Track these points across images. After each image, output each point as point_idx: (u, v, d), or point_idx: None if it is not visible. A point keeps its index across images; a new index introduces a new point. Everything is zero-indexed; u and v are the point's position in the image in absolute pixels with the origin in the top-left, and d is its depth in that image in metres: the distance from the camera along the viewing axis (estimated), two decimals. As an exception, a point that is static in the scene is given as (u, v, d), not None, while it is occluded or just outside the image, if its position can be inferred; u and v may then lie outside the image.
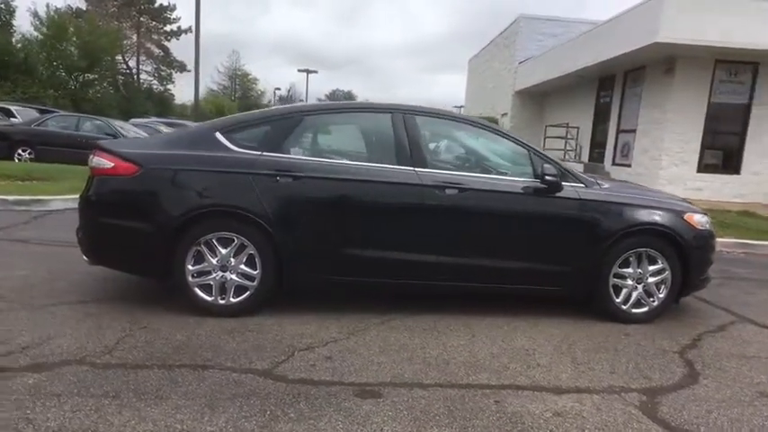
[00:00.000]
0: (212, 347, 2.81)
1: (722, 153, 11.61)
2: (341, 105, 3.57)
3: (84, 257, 3.39)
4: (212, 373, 2.53)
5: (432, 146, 3.51)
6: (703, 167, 11.42)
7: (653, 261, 3.58)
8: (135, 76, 44.80)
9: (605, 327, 3.52)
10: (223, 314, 3.24)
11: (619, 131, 13.40)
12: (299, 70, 48.84)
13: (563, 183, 3.44)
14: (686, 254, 3.58)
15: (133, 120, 19.75)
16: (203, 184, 3.17)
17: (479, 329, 3.32)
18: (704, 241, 3.69)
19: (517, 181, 3.48)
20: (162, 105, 41.48)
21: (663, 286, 3.61)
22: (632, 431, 2.24)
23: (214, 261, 3.20)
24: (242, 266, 3.22)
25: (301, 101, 75.24)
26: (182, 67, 46.31)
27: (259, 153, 3.26)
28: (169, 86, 46.43)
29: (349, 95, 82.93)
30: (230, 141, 3.29)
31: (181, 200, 3.14)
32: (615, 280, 3.56)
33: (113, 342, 2.80)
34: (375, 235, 3.33)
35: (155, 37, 46.20)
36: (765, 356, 3.20)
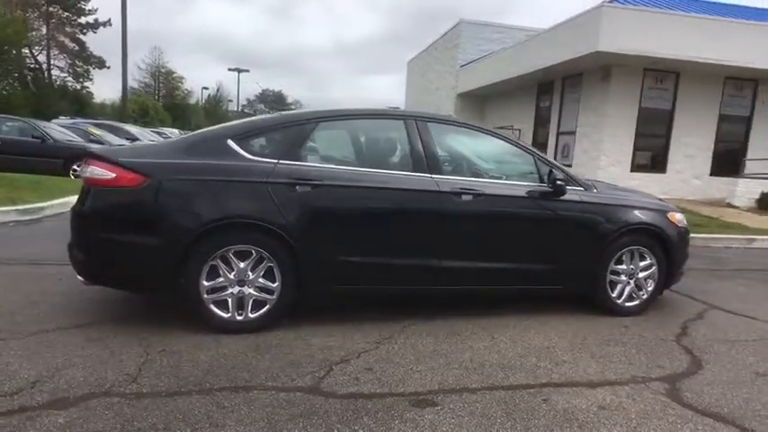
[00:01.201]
0: (245, 367, 2.68)
1: (651, 154, 12.69)
2: (355, 111, 3.51)
3: (80, 277, 3.10)
4: (258, 394, 2.42)
5: (442, 152, 3.54)
6: (636, 167, 12.42)
7: (643, 257, 3.86)
8: (46, 72, 41.05)
9: (605, 320, 3.75)
10: (241, 331, 3.10)
11: (559, 133, 14.22)
12: (229, 69, 47.27)
13: (566, 186, 3.62)
14: (670, 250, 3.91)
15: (56, 120, 18.13)
16: (218, 195, 3.01)
17: (495, 331, 3.42)
18: (683, 237, 4.04)
19: (525, 185, 3.62)
20: (79, 104, 38.36)
21: (651, 280, 3.91)
22: (672, 417, 2.42)
23: (231, 276, 3.05)
24: (260, 280, 3.10)
25: (230, 101, 72.58)
26: (100, 63, 43.16)
27: (275, 161, 3.15)
28: (87, 84, 43.07)
29: (279, 96, 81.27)
30: (244, 149, 3.15)
31: (194, 212, 2.96)
32: (611, 276, 3.81)
33: (134, 369, 2.59)
34: (395, 243, 3.33)
35: (68, 29, 42.58)
36: (745, 339, 3.56)
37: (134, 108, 39.96)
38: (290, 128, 3.28)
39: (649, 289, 3.91)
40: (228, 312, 3.08)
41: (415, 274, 3.39)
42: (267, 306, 3.14)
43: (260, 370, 2.66)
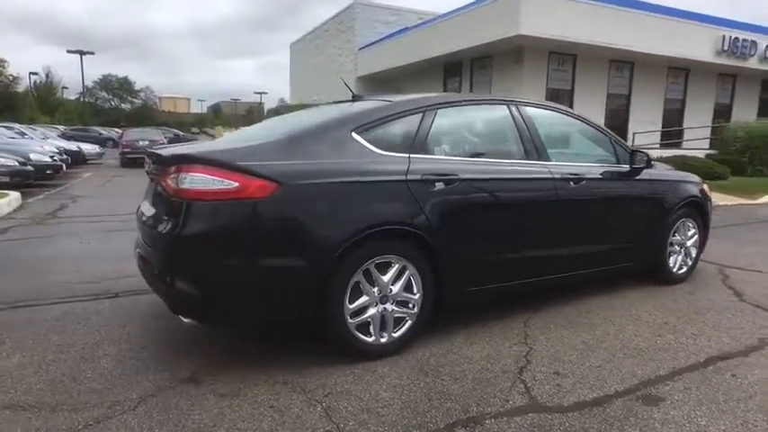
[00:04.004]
0: (442, 396, 2.32)
1: (556, 130, 13.91)
2: (464, 98, 3.20)
3: (186, 319, 2.40)
4: (493, 424, 2.11)
5: (543, 137, 3.41)
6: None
7: (688, 228, 4.20)
8: None
9: (668, 291, 3.99)
10: (385, 354, 2.69)
11: (472, 114, 14.85)
12: (69, 51, 40.74)
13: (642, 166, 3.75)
14: (706, 219, 4.31)
15: None
16: (360, 200, 2.53)
17: (606, 315, 3.42)
18: (711, 206, 4.48)
19: (612, 167, 3.67)
20: None
21: (694, 248, 4.28)
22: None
23: (375, 292, 2.61)
24: (403, 293, 2.70)
25: (66, 87, 62.67)
26: None
27: (407, 156, 2.74)
28: None
29: (125, 81, 72.02)
30: (371, 142, 2.68)
31: (338, 222, 2.45)
32: (669, 248, 4.07)
33: (330, 425, 2.08)
34: (528, 235, 3.16)
35: None
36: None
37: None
38: (408, 116, 2.87)
39: (693, 256, 4.28)
40: (371, 335, 2.64)
41: (541, 265, 3.26)
42: (408, 322, 2.76)
43: (459, 396, 2.33)
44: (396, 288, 2.67)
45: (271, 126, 3.29)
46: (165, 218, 2.43)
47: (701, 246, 4.35)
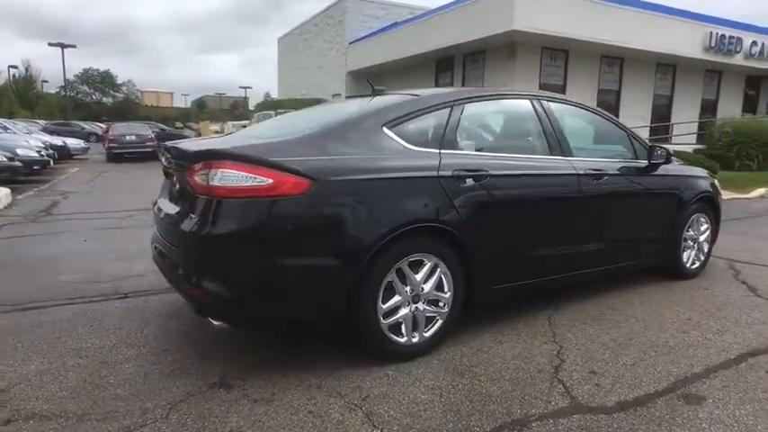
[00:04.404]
0: (479, 396, 2.27)
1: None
2: (490, 92, 3.14)
3: (215, 321, 2.30)
4: (539, 426, 2.06)
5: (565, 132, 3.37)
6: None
7: (701, 223, 4.21)
8: None
9: (684, 286, 4.00)
10: (416, 355, 2.63)
11: (465, 109, 14.82)
12: (50, 44, 39.68)
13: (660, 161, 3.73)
14: (717, 213, 4.32)
15: None
16: (397, 197, 2.45)
17: (631, 313, 3.39)
18: (721, 201, 4.50)
19: (630, 162, 3.65)
20: None
21: (706, 243, 4.29)
22: None
23: (407, 291, 2.54)
24: (435, 292, 2.64)
25: (45, 81, 61.16)
26: None
27: (437, 151, 2.67)
28: None
29: (107, 75, 70.36)
30: (402, 137, 2.60)
31: (374, 220, 2.37)
32: (683, 243, 4.08)
33: (362, 426, 2.01)
34: (553, 231, 3.12)
35: None
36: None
37: None
38: (437, 110, 2.79)
39: (706, 251, 4.30)
40: (403, 336, 2.57)
41: (564, 263, 3.23)
42: (439, 321, 2.70)
43: (500, 397, 2.28)
44: (427, 287, 2.61)
45: (291, 121, 3.20)
46: (193, 216, 2.32)
47: (712, 241, 4.37)
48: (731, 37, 14.98)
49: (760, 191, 10.24)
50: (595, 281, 3.77)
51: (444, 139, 2.74)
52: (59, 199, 8.49)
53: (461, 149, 2.81)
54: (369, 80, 3.34)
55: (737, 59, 15.44)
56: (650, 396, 2.33)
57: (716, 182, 4.46)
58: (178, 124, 53.02)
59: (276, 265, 2.23)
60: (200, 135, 30.74)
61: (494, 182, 2.79)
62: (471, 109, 2.94)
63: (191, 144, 2.71)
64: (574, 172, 3.19)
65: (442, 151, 2.69)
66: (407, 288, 2.55)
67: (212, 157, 2.28)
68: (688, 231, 4.10)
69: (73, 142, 18.94)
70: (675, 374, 2.54)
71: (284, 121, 3.50)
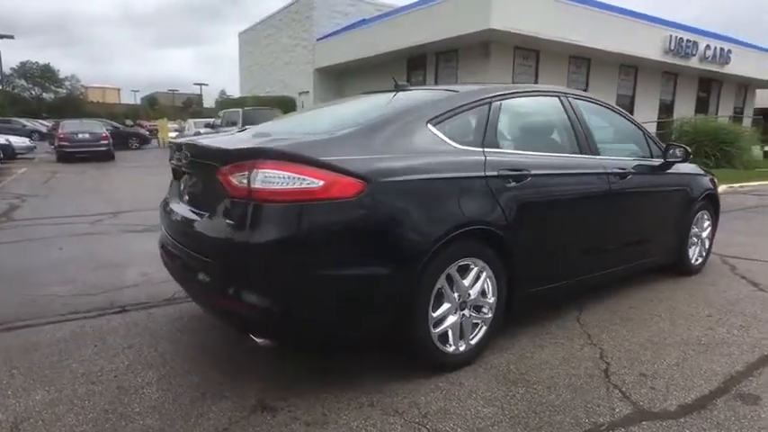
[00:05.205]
0: (541, 407, 2.16)
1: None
2: (523, 89, 3.04)
3: (259, 339, 2.08)
4: (614, 437, 1.97)
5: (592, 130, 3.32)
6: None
7: (704, 220, 4.29)
8: None
9: (691, 282, 4.06)
10: (462, 364, 2.49)
11: (437, 108, 14.82)
12: (-16, 34, 36.87)
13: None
14: (717, 210, 4.42)
15: None
16: (449, 199, 2.31)
17: (653, 311, 3.38)
18: (718, 197, 4.61)
19: (647, 160, 3.65)
20: None
21: (708, 240, 4.38)
22: None
23: (455, 298, 2.40)
24: (480, 298, 2.51)
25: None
26: None
27: (481, 150, 2.54)
28: None
29: (47, 69, 66.25)
30: (447, 136, 2.45)
31: (428, 223, 2.22)
32: (689, 239, 4.14)
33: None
34: (588, 231, 3.06)
35: None
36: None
37: None
38: (478, 107, 2.66)
39: (707, 247, 4.38)
40: (450, 345, 2.43)
41: (596, 262, 3.18)
42: (483, 327, 2.57)
43: (562, 407, 2.17)
44: (474, 292, 2.48)
45: (317, 117, 2.98)
46: (228, 221, 2.09)
47: (712, 237, 4.46)
48: (688, 41, 15.70)
49: (722, 187, 10.73)
50: (613, 280, 3.76)
51: (486, 137, 2.61)
52: (17, 202, 7.82)
53: (501, 148, 2.69)
54: (395, 79, 3.15)
55: (693, 62, 16.20)
56: (707, 398, 2.29)
57: (715, 179, 4.57)
58: (128, 122, 50.51)
59: (329, 275, 2.03)
60: (151, 134, 29.40)
61: (535, 181, 2.69)
62: (508, 106, 2.82)
63: (219, 141, 2.45)
64: (603, 170, 3.15)
65: (486, 150, 2.56)
66: (455, 294, 2.41)
67: (253, 156, 2.05)
68: (693, 228, 4.16)
69: (17, 141, 17.67)
70: (721, 373, 2.51)
71: (309, 117, 3.28)
